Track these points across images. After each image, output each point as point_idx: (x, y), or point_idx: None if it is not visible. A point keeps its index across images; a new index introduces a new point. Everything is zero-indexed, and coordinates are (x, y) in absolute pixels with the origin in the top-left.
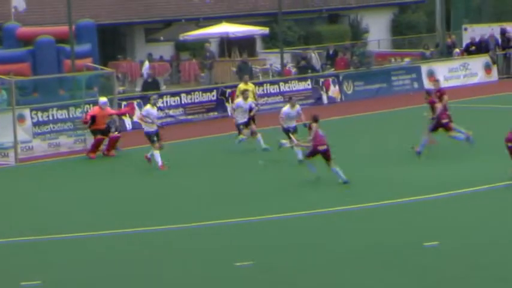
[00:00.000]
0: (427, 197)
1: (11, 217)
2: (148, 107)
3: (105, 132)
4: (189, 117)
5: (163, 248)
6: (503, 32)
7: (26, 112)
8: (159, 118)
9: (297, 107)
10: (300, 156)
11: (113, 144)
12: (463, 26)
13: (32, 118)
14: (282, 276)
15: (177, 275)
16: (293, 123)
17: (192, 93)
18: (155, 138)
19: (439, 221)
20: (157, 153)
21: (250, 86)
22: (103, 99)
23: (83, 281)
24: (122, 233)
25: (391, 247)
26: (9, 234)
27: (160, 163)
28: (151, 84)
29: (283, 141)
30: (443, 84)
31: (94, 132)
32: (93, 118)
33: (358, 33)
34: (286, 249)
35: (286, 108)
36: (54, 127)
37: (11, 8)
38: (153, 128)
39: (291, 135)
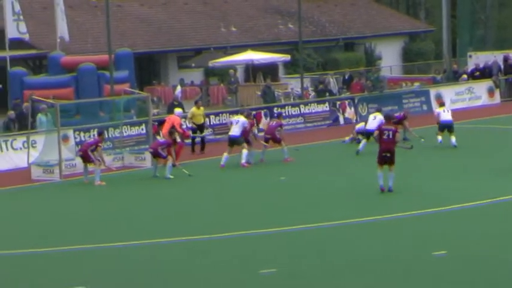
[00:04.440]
0: (434, 210)
1: (57, 227)
2: None
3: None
4: (217, 136)
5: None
6: (505, 59)
7: (70, 133)
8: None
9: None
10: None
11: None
12: (468, 54)
13: (75, 138)
14: (302, 283)
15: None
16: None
17: (220, 114)
18: None
19: (448, 231)
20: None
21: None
22: (180, 110)
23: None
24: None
25: (403, 256)
26: (55, 243)
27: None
28: (175, 106)
29: None
30: (451, 106)
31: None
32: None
33: (372, 60)
34: (307, 257)
35: (440, 109)
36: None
37: (56, 38)
38: None
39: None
